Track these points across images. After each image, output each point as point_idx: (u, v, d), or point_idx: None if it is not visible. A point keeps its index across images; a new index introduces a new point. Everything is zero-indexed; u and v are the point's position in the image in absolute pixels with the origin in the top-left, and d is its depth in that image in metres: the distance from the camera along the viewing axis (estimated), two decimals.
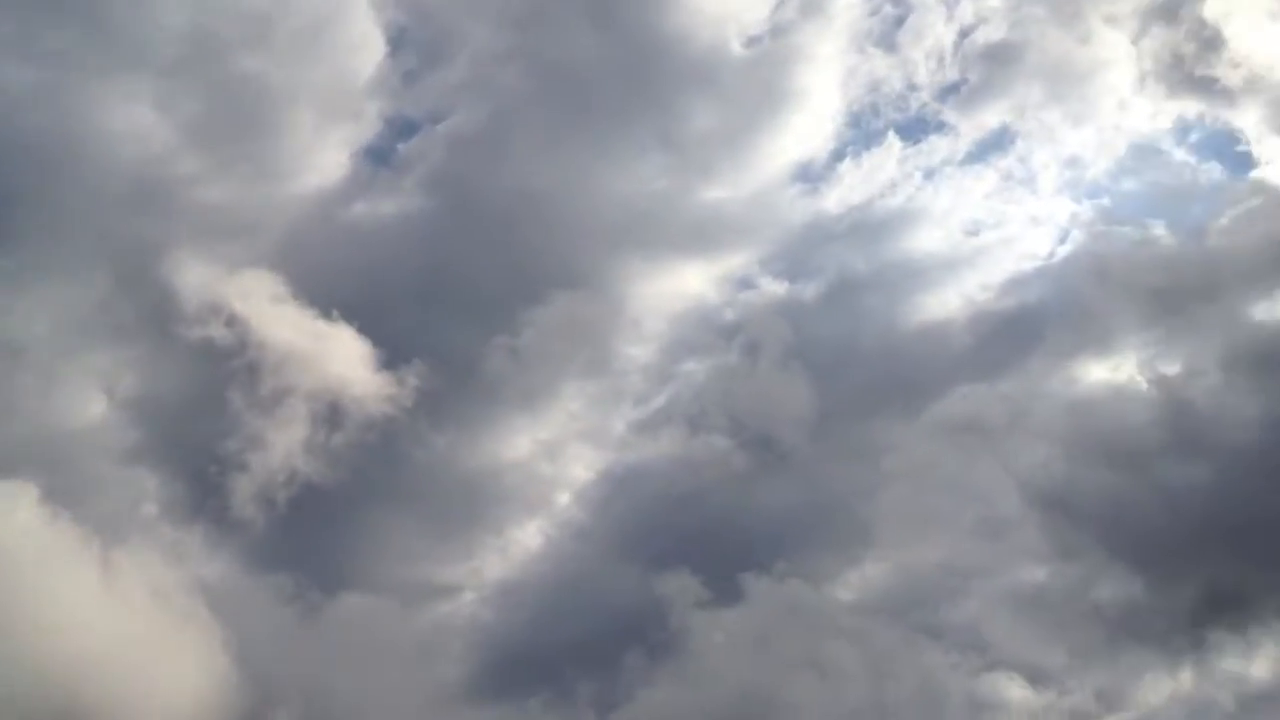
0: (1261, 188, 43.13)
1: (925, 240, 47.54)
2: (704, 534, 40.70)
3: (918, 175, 48.53)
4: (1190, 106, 45.82)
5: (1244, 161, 44.95)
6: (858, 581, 41.79)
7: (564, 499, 43.00)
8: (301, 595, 34.33)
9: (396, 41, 48.52)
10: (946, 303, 45.32)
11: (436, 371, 38.19)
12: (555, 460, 43.08)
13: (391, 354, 37.89)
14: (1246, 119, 44.45)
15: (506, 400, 42.60)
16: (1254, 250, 40.77)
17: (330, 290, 38.40)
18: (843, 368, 43.05)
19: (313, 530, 37.00)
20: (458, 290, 43.97)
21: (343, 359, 37.57)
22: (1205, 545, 36.89)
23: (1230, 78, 43.30)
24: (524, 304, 41.18)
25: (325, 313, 37.72)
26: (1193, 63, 43.79)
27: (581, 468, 43.64)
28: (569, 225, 46.39)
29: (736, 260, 46.52)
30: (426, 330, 41.64)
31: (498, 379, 41.08)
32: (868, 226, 47.81)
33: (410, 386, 37.53)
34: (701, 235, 47.11)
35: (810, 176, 48.47)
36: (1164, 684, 41.44)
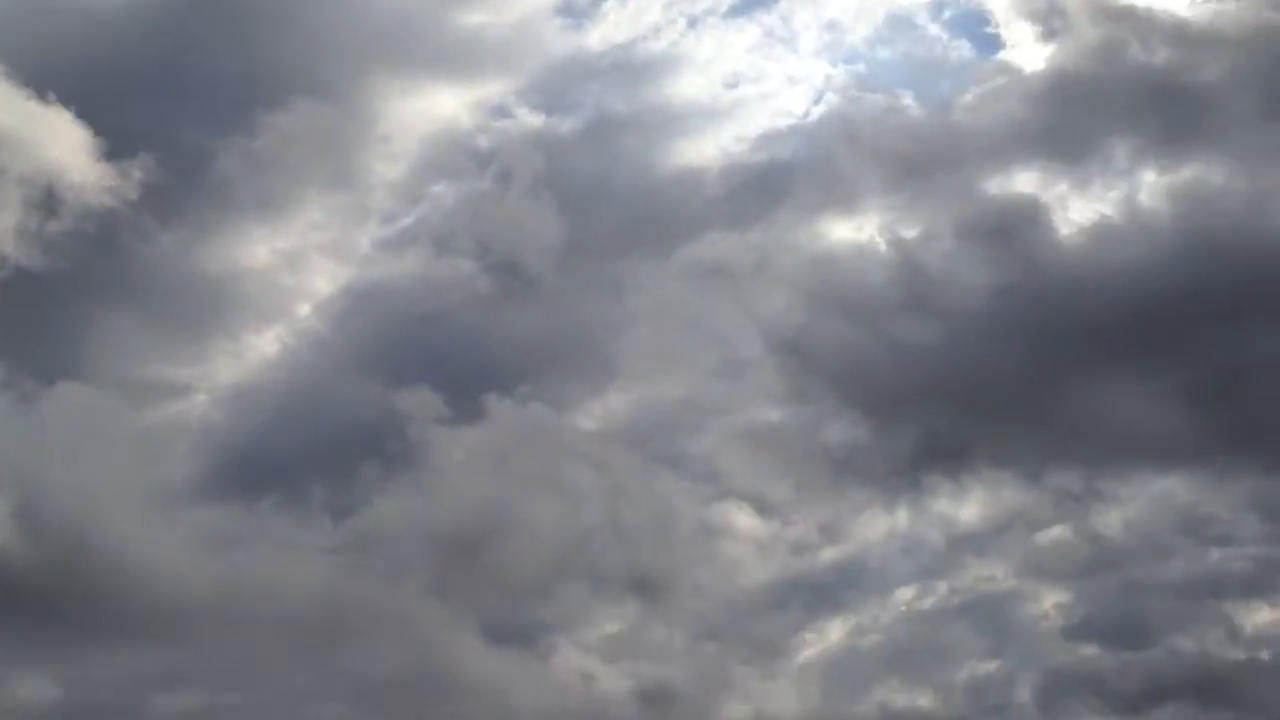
0: (1006, 69, 45.04)
1: (685, 87, 47.53)
2: (446, 354, 40.63)
3: (681, 21, 48.02)
4: None
5: (992, 43, 46.65)
6: (600, 410, 42.71)
7: (303, 310, 42.03)
8: (14, 383, 32.72)
9: None
10: (702, 151, 45.70)
11: (165, 167, 36.15)
12: (295, 271, 41.93)
13: (115, 145, 35.49)
14: (997, 1, 45.86)
15: (242, 205, 40.88)
16: (994, 127, 42.63)
17: (46, 71, 35.50)
18: (595, 204, 43.12)
19: (26, 317, 35.00)
20: (191, 86, 41.27)
21: (59, 144, 35.10)
22: (928, 397, 39.04)
23: None
24: (263, 107, 39.15)
25: (40, 94, 35.03)
26: None
27: (323, 280, 42.68)
28: (316, 33, 44.02)
29: (493, 88, 45.43)
30: (155, 124, 39.01)
31: (232, 182, 39.30)
32: (630, 67, 47.42)
33: (135, 180, 35.47)
34: (459, 59, 45.69)
35: (574, 11, 47.58)
36: (881, 521, 44.45)
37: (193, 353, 40.41)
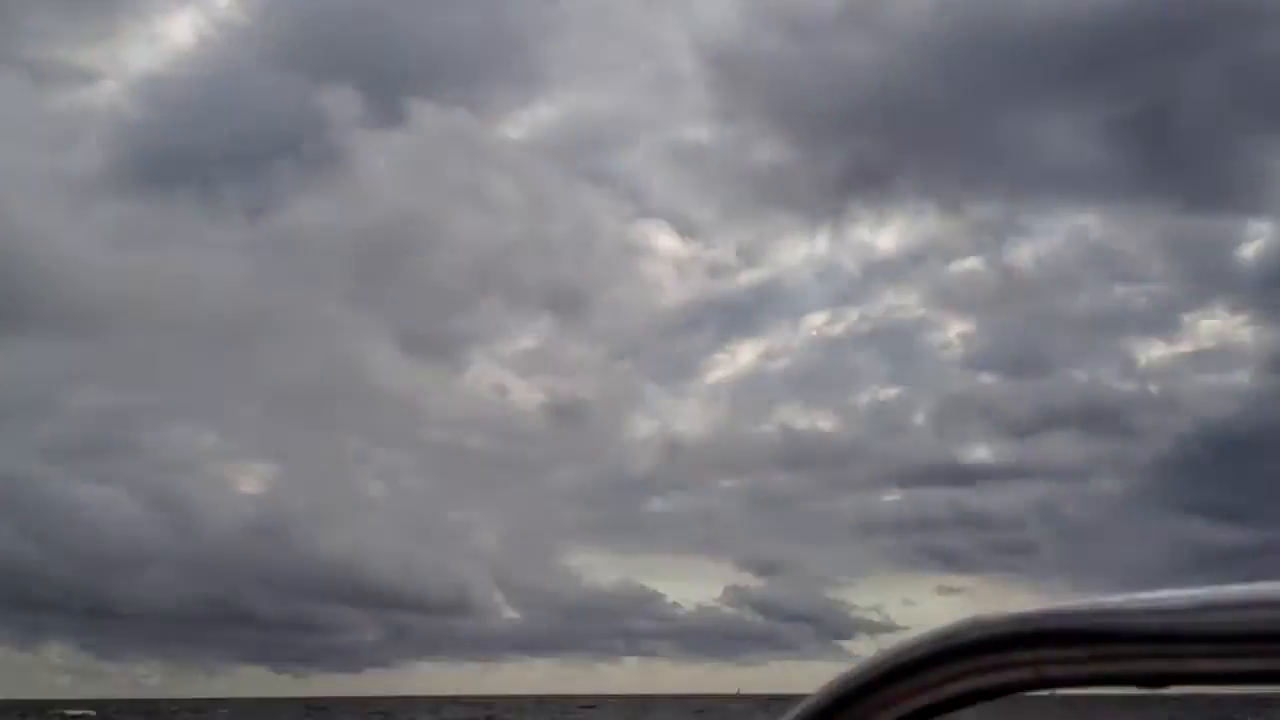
0: None
1: None
2: (370, 51, 39.25)
3: None
4: None
5: None
6: (526, 119, 41.96)
7: None
8: None
9: None
10: None
11: None
12: None
13: None
14: None
15: None
16: None
17: None
18: None
19: None
20: None
21: None
22: (859, 121, 38.71)
23: None
24: None
25: None
26: None
27: None
28: None
29: None
30: None
31: None
32: None
33: None
34: None
35: None
36: (801, 246, 44.96)
37: (101, 34, 38.56)
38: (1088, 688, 0.56)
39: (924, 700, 0.59)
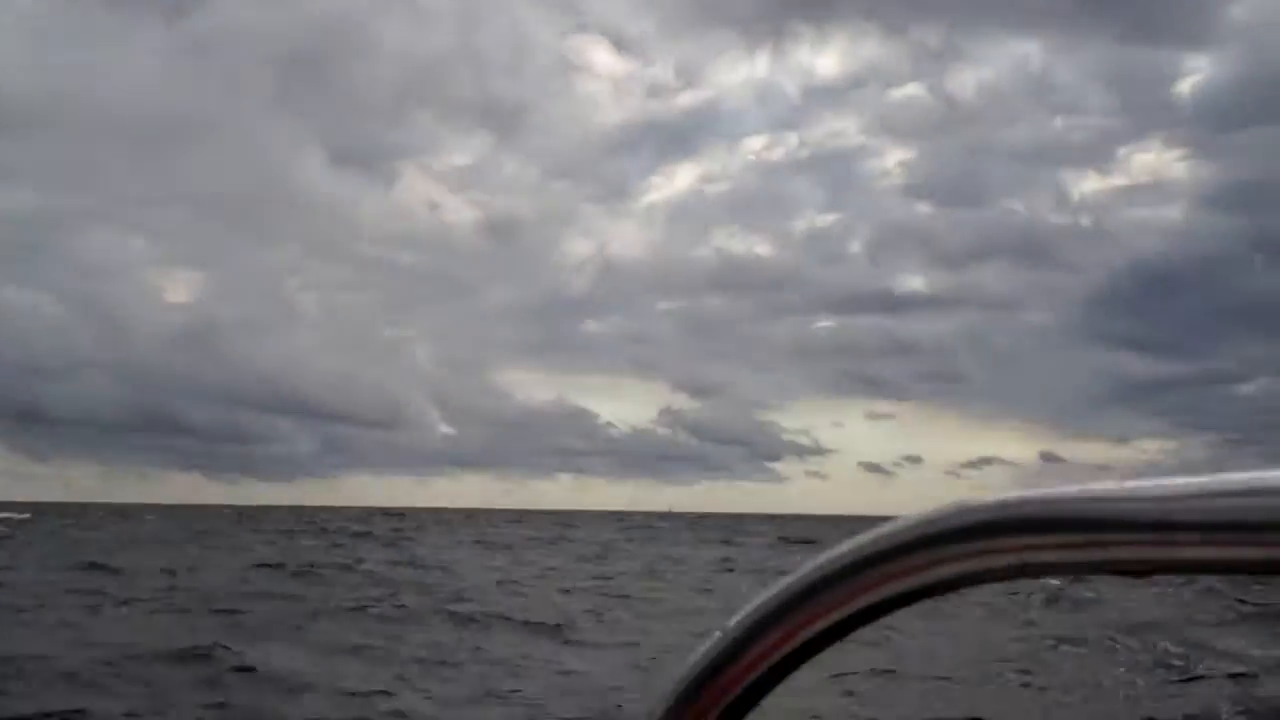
0: None
1: None
2: None
3: None
4: None
5: None
6: None
7: None
8: None
9: None
10: None
11: None
12: None
13: None
14: None
15: None
16: None
17: None
18: None
19: None
20: None
21: None
22: None
23: None
24: None
25: None
26: None
27: None
28: None
29: None
30: None
31: None
32: None
33: None
34: None
35: None
36: (741, 66, 44.20)
37: None
38: (1073, 575, 0.56)
39: (906, 585, 0.65)
